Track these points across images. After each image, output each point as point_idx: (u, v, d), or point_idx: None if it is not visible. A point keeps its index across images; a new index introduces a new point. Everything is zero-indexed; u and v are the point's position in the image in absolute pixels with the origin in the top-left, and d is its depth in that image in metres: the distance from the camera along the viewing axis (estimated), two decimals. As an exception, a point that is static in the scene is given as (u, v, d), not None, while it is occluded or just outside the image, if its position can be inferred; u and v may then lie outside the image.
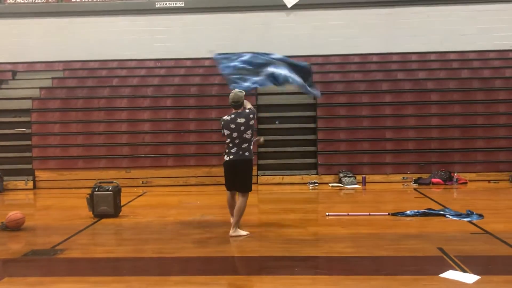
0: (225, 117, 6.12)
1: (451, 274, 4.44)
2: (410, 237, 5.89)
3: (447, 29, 13.14)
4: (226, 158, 6.06)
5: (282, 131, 11.53)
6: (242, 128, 5.98)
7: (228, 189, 6.24)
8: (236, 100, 6.09)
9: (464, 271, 4.51)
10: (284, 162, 11.20)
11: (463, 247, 5.41)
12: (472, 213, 6.98)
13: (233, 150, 6.01)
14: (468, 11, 13.15)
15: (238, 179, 6.05)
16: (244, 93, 6.24)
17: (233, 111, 6.12)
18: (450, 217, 6.92)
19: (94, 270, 4.98)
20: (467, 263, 4.75)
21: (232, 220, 6.19)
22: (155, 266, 5.07)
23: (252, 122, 6.06)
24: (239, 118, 6.02)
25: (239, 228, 6.14)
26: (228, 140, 6.05)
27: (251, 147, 6.11)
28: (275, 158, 11.26)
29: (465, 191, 9.76)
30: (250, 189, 6.14)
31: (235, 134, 5.99)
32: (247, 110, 6.13)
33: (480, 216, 6.86)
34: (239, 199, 6.13)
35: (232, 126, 6.00)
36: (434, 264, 4.83)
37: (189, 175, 10.95)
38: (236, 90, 6.24)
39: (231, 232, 6.06)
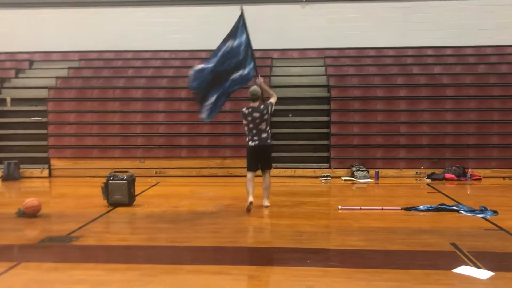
0: (244, 109, 7.07)
1: (464, 270, 4.43)
2: (423, 232, 5.87)
3: (464, 23, 12.99)
4: (251, 143, 7.07)
5: (295, 124, 11.52)
6: (257, 121, 7.00)
7: (251, 169, 7.18)
8: (253, 93, 7.09)
9: (478, 267, 4.49)
10: (296, 155, 11.20)
11: (476, 243, 5.38)
12: (486, 209, 6.93)
13: (256, 137, 7.04)
14: (486, 5, 12.97)
15: (263, 160, 7.18)
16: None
17: (251, 104, 7.07)
18: (464, 212, 6.87)
19: (108, 257, 5.05)
20: (480, 259, 4.72)
21: (250, 197, 6.99)
22: (168, 254, 5.13)
23: (266, 117, 7.02)
24: (255, 112, 7.01)
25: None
26: (247, 128, 7.08)
27: (270, 134, 7.16)
28: (287, 151, 11.25)
29: (479, 187, 9.67)
30: (272, 167, 7.53)
31: (251, 125, 7.02)
32: (262, 106, 7.06)
33: (495, 212, 6.81)
34: (266, 176, 7.26)
35: (249, 118, 7.01)
36: (447, 259, 4.81)
37: (202, 166, 11.01)
38: (255, 85, 7.11)
39: (267, 203, 7.28)
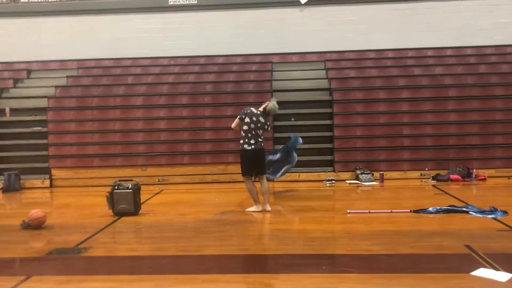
0: (252, 109, 7.27)
1: (483, 272, 4.36)
2: (435, 234, 5.80)
3: (464, 24, 13.02)
4: (248, 147, 7.12)
5: (298, 128, 11.43)
6: (259, 125, 7.18)
7: (247, 174, 7.25)
8: (271, 111, 7.34)
9: (496, 269, 4.42)
10: (300, 159, 10.99)
11: (491, 244, 5.32)
12: (496, 209, 6.88)
13: (252, 141, 7.10)
14: (485, 5, 13.02)
15: (259, 165, 7.26)
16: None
17: (260, 109, 7.30)
18: (474, 213, 6.81)
19: (119, 268, 4.95)
20: (497, 260, 4.66)
21: (265, 205, 7.34)
22: (180, 264, 5.04)
23: (266, 126, 7.30)
24: (261, 117, 7.23)
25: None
26: (246, 128, 7.12)
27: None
28: (291, 155, 11.17)
29: (485, 188, 9.63)
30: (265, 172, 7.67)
31: (252, 126, 7.12)
32: (267, 117, 7.34)
33: (505, 213, 6.76)
34: (264, 181, 7.32)
35: (254, 119, 7.15)
36: (463, 262, 4.75)
37: (205, 172, 10.93)
38: (275, 103, 7.39)
39: (269, 208, 7.31)
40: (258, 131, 7.15)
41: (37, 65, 13.77)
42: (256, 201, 7.34)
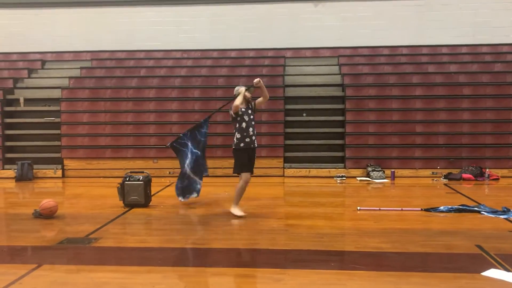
0: (242, 108, 6.62)
1: (494, 273, 4.31)
2: (446, 234, 5.76)
3: (479, 21, 12.85)
4: (249, 143, 6.59)
5: (310, 124, 11.43)
6: (252, 117, 6.70)
7: (250, 170, 6.72)
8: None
9: (507, 270, 4.37)
10: (311, 155, 11.11)
11: (502, 245, 5.26)
12: (508, 210, 6.80)
13: (254, 137, 6.64)
14: (501, 2, 12.86)
15: (253, 162, 6.78)
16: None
17: (237, 103, 6.58)
18: (486, 213, 6.75)
19: (129, 259, 4.98)
20: (509, 261, 4.60)
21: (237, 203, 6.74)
22: (189, 256, 5.07)
23: (253, 116, 6.74)
24: (249, 110, 6.72)
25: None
26: (244, 126, 6.56)
27: None
28: (302, 150, 11.17)
29: (498, 187, 9.53)
30: None
31: (249, 123, 6.61)
32: (250, 105, 6.76)
33: (517, 213, 6.69)
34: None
35: (251, 116, 6.69)
36: (474, 262, 4.71)
37: (215, 166, 10.92)
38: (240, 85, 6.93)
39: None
40: (253, 123, 6.70)
41: (52, 55, 13.89)
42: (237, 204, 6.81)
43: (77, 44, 13.77)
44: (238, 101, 6.56)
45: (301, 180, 10.34)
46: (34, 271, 4.47)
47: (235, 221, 6.48)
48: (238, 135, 6.63)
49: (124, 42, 13.62)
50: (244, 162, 6.64)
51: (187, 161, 7.63)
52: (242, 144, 6.61)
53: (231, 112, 6.66)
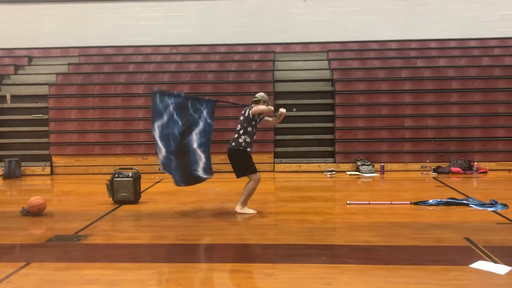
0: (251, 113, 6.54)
1: (482, 265, 4.35)
2: (435, 227, 5.79)
3: (467, 16, 12.92)
4: (251, 149, 6.58)
5: (299, 119, 11.43)
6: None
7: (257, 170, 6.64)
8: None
9: (495, 262, 4.42)
10: (301, 150, 11.12)
11: (490, 237, 5.31)
12: (496, 202, 6.87)
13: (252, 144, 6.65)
14: (489, -4, 12.92)
15: None
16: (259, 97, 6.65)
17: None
18: (474, 206, 6.81)
19: (118, 256, 4.95)
20: (496, 253, 4.65)
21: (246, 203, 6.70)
22: (179, 252, 5.04)
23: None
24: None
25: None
26: (254, 132, 6.58)
27: None
28: (292, 145, 11.19)
29: (486, 181, 9.62)
30: None
31: (255, 130, 6.63)
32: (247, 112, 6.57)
33: (505, 206, 6.75)
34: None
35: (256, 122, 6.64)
36: (462, 254, 4.74)
37: (206, 162, 10.88)
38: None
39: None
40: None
41: (38, 52, 13.73)
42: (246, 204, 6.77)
43: (64, 40, 13.63)
44: (265, 108, 6.44)
45: (291, 175, 10.35)
46: (23, 269, 4.42)
47: (226, 217, 6.47)
48: (248, 139, 6.49)
49: (112, 37, 13.49)
50: (251, 164, 6.57)
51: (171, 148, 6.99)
52: (249, 149, 6.53)
53: (250, 112, 6.45)
